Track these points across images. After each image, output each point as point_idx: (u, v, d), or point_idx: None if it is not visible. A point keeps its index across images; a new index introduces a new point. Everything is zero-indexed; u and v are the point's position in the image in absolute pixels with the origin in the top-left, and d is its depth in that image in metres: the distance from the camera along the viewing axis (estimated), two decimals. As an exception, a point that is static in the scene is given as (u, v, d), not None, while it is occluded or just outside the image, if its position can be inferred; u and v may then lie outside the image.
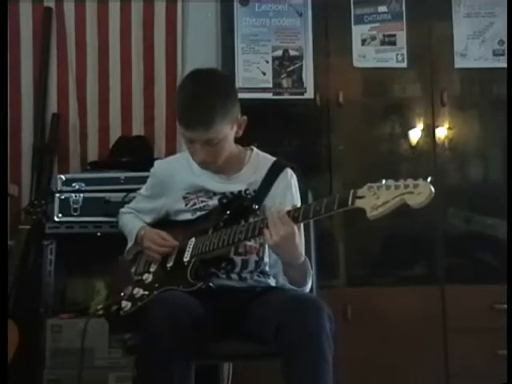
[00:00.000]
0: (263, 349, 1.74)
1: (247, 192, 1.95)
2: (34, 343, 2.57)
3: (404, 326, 2.80)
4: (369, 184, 1.57)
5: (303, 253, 1.79)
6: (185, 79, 1.95)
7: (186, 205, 1.98)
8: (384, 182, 1.56)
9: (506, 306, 2.44)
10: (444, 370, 2.84)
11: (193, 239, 1.89)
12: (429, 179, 1.53)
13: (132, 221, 2.10)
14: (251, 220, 1.82)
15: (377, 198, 1.54)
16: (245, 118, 1.93)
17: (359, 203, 1.56)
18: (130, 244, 2.04)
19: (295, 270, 1.81)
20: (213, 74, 1.96)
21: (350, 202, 1.58)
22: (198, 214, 1.96)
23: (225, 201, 1.93)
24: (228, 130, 1.86)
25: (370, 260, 2.99)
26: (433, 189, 1.51)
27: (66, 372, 2.50)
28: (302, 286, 1.85)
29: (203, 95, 1.83)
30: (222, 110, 1.83)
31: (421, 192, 1.51)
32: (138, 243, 2.03)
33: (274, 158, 2.04)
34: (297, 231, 1.71)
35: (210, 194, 1.97)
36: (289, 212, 1.70)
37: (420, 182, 1.52)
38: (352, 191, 1.59)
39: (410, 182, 1.53)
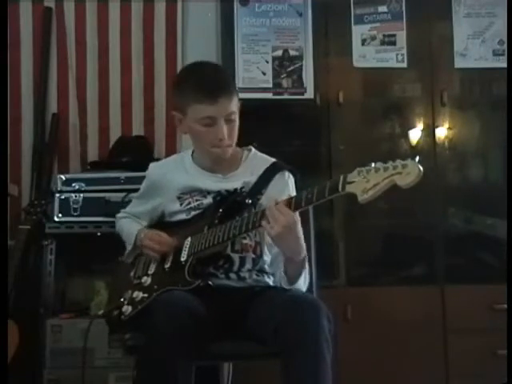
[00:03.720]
0: (263, 349, 1.74)
1: (242, 190, 1.95)
2: (34, 343, 2.57)
3: (404, 326, 2.80)
4: (358, 168, 1.57)
5: (304, 247, 1.78)
6: (186, 68, 2.02)
7: (181, 205, 1.98)
8: (373, 164, 1.56)
9: (506, 306, 2.43)
10: (444, 370, 2.84)
11: (189, 238, 1.89)
12: (417, 158, 1.51)
13: (129, 225, 2.10)
14: (244, 215, 1.81)
15: (367, 182, 1.53)
16: (240, 101, 1.96)
17: (350, 188, 1.56)
18: (129, 248, 2.04)
19: (294, 266, 1.81)
20: (208, 61, 2.09)
21: (340, 188, 1.58)
22: (193, 213, 1.96)
23: (219, 198, 1.94)
24: (238, 107, 1.93)
25: (369, 260, 2.99)
26: (421, 168, 1.49)
27: (65, 372, 2.50)
28: (294, 282, 1.83)
29: (216, 71, 1.98)
30: (234, 83, 1.97)
31: (410, 172, 1.49)
32: (137, 246, 2.02)
33: (273, 159, 2.04)
34: (298, 222, 1.70)
35: (204, 193, 1.97)
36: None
37: (408, 161, 1.51)
38: (342, 176, 1.58)
39: (398, 162, 1.52)
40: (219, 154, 1.93)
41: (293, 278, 1.83)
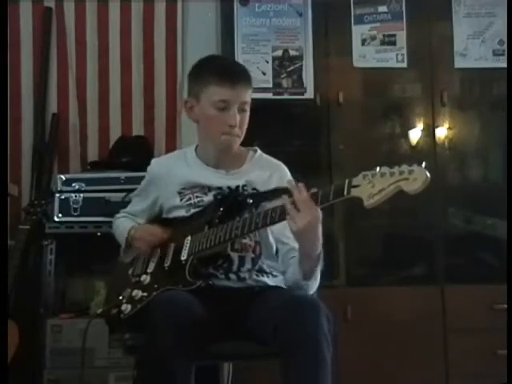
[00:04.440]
0: (263, 349, 1.74)
1: (245, 188, 1.94)
2: (34, 343, 2.57)
3: (404, 326, 2.80)
4: (363, 172, 1.56)
5: (321, 242, 1.74)
6: (206, 57, 2.02)
7: (181, 200, 1.97)
8: (378, 169, 1.54)
9: (506, 306, 2.44)
10: (444, 370, 2.84)
11: (189, 237, 1.88)
12: (423, 164, 1.50)
13: (123, 223, 2.09)
14: (246, 215, 1.80)
15: (372, 187, 1.52)
16: None
17: (355, 192, 1.55)
18: (122, 246, 2.04)
19: (310, 261, 1.76)
20: None
21: (345, 192, 1.56)
22: (193, 210, 1.95)
23: (220, 197, 1.93)
24: None
25: (370, 260, 2.99)
26: (428, 174, 1.48)
27: (65, 372, 2.50)
28: (309, 278, 1.79)
29: (236, 62, 2.13)
30: (251, 77, 1.98)
31: (416, 178, 1.48)
32: (130, 245, 2.02)
33: (278, 162, 2.04)
34: (320, 217, 1.66)
35: (205, 189, 1.96)
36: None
37: (415, 167, 1.50)
38: (347, 180, 1.57)
39: (404, 168, 1.51)
40: (227, 142, 1.93)
41: (308, 273, 1.78)
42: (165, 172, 2.04)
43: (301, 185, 1.67)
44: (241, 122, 1.91)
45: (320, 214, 1.65)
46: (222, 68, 1.92)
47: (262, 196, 1.91)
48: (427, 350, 2.82)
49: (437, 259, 2.96)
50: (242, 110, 1.91)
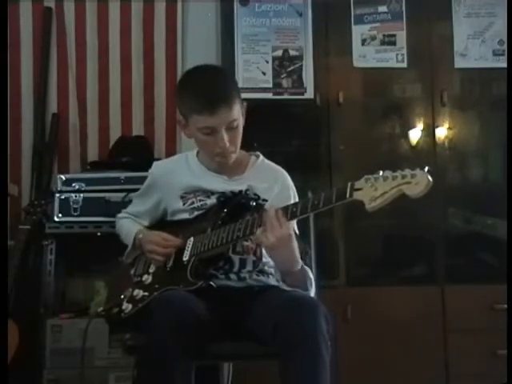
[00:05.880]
0: (263, 349, 1.74)
1: (247, 192, 1.94)
2: (34, 343, 2.57)
3: (404, 326, 2.80)
4: (366, 176, 1.57)
5: (299, 259, 1.77)
6: (187, 74, 1.98)
7: (184, 204, 1.97)
8: (381, 173, 1.55)
9: (506, 306, 2.44)
10: (444, 370, 2.84)
11: (191, 238, 1.88)
12: (426, 168, 1.51)
13: (127, 225, 2.10)
14: (248, 217, 1.81)
15: (375, 190, 1.53)
16: (245, 103, 1.95)
17: (357, 195, 1.56)
18: (128, 248, 2.04)
19: (293, 278, 1.80)
20: (210, 64, 2.05)
21: (348, 195, 1.58)
22: (196, 213, 1.95)
23: (223, 199, 1.93)
24: (241, 111, 1.91)
25: (370, 260, 2.99)
26: (430, 178, 1.49)
27: (65, 372, 2.50)
28: (302, 290, 1.81)
29: (216, 79, 1.92)
30: (236, 87, 1.93)
31: (419, 181, 1.50)
32: (135, 247, 2.02)
33: (279, 168, 2.05)
34: (293, 235, 1.70)
35: (208, 193, 1.96)
36: (287, 207, 1.70)
37: (417, 171, 1.51)
38: (350, 183, 1.58)
39: (407, 172, 1.52)
40: (222, 160, 1.93)
41: (296, 287, 1.80)
42: (166, 176, 2.04)
43: (272, 205, 1.74)
44: (232, 139, 1.89)
45: (289, 231, 1.67)
46: (200, 95, 1.85)
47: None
48: (427, 350, 2.82)
49: (437, 259, 2.96)
50: (230, 128, 1.87)
